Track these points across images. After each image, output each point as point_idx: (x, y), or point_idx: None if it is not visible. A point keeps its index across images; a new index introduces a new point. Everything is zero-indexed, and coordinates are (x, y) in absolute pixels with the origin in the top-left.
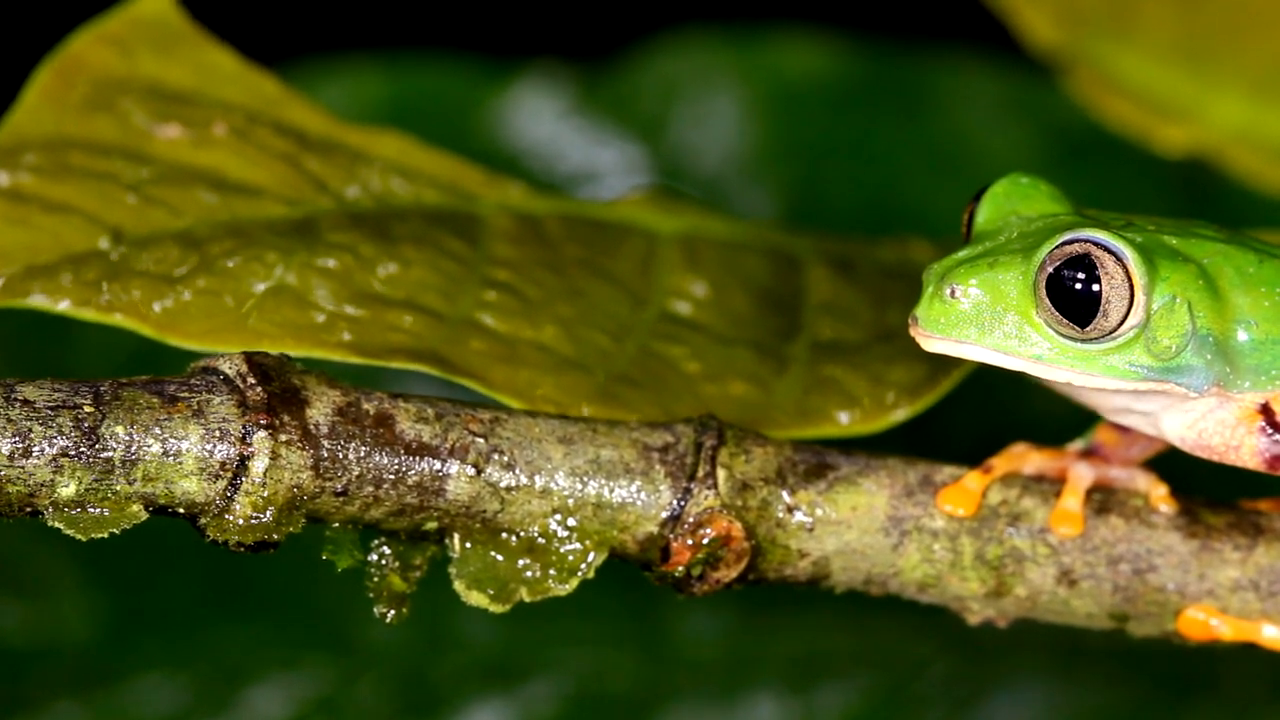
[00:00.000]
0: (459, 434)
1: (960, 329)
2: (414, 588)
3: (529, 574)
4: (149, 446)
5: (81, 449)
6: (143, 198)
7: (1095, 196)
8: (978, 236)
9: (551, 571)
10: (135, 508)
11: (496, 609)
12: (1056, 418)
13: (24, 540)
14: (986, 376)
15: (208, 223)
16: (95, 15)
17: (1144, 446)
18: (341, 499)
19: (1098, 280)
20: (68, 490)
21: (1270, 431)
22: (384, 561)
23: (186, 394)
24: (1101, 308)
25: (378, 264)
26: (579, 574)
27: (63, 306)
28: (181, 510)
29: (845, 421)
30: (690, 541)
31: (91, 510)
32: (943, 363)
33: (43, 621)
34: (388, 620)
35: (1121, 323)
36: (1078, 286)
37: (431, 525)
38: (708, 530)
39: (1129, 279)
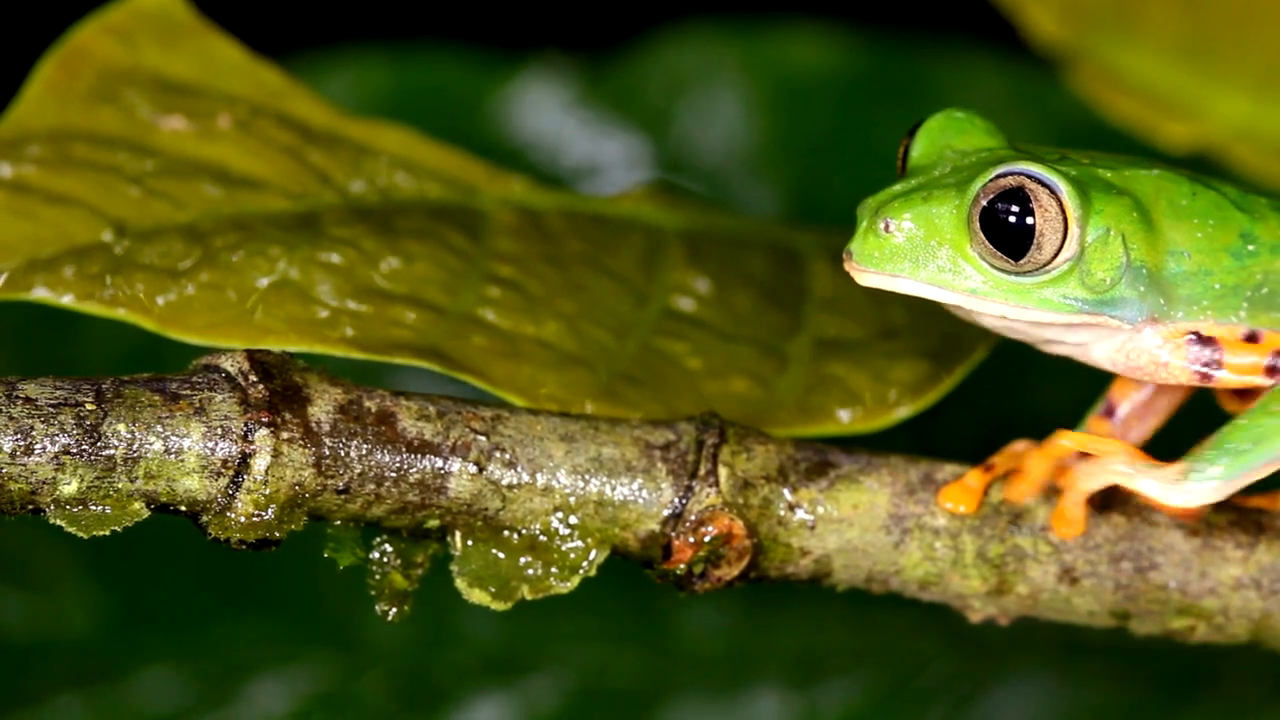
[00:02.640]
0: (461, 432)
1: (894, 263)
2: (416, 585)
3: (531, 572)
4: (151, 444)
5: (83, 446)
6: (146, 190)
7: None
8: (912, 171)
9: (553, 569)
10: (137, 505)
11: (498, 607)
12: (1058, 415)
13: (26, 535)
14: (988, 375)
15: (211, 216)
16: (99, 7)
17: (1139, 435)
18: (343, 497)
19: (1031, 213)
20: (69, 488)
21: (1197, 345)
22: (386, 559)
23: (188, 391)
24: (1035, 241)
25: (380, 259)
26: (580, 572)
27: (66, 300)
28: (183, 508)
29: (847, 419)
30: (692, 539)
31: (93, 508)
32: (945, 360)
33: (45, 616)
34: (389, 618)
35: (1055, 255)
36: (1011, 220)
37: (433, 523)
38: (709, 528)
39: (1063, 212)
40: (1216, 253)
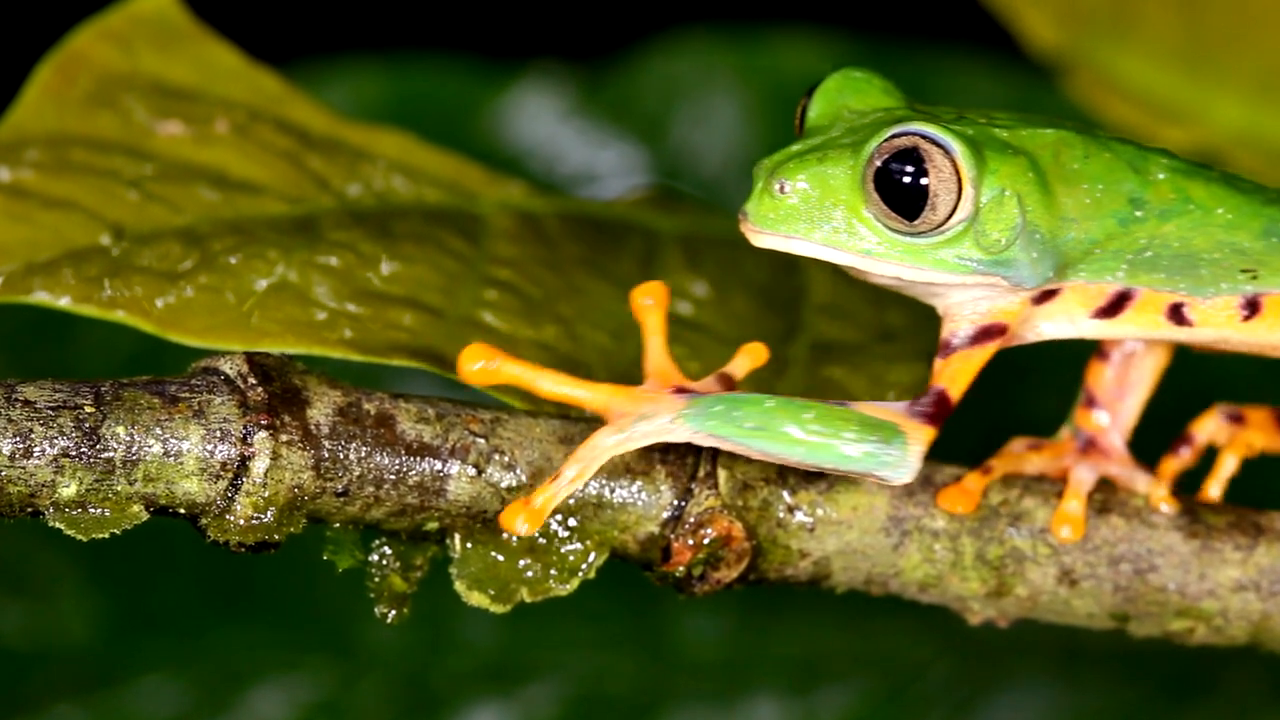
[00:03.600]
0: (460, 434)
1: (789, 224)
2: (415, 588)
3: (530, 574)
4: (150, 447)
5: (82, 449)
6: (144, 194)
7: None
8: (809, 131)
9: (552, 571)
10: (136, 508)
11: (497, 609)
12: (1055, 417)
13: (25, 542)
14: (985, 378)
15: (209, 220)
16: (97, 11)
17: (1126, 413)
18: (342, 499)
19: (925, 174)
20: (69, 490)
21: (981, 336)
22: (385, 562)
23: (187, 394)
24: (929, 201)
25: (379, 262)
26: (580, 574)
27: (64, 302)
28: (182, 511)
29: None
30: (691, 542)
31: (92, 510)
32: None
33: (43, 623)
34: (388, 620)
35: (950, 216)
36: (905, 180)
37: (432, 525)
38: (708, 530)
39: (957, 172)
40: (1102, 218)
